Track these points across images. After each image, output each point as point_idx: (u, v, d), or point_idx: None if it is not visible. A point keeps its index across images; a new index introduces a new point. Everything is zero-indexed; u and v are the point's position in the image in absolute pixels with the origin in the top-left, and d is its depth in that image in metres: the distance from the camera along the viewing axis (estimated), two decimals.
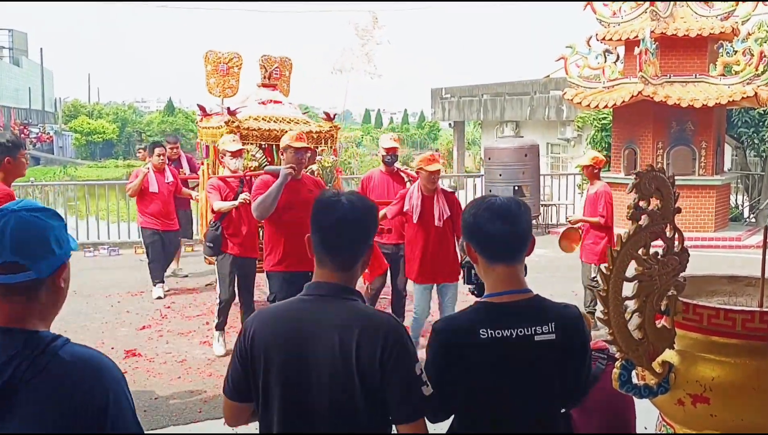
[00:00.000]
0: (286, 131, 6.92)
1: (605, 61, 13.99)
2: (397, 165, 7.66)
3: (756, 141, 15.96)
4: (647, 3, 13.32)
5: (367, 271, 7.66)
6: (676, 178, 10.45)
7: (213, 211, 6.88)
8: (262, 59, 9.09)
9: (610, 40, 13.83)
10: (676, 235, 2.90)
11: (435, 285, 6.51)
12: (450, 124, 33.10)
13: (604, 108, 13.86)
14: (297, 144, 6.07)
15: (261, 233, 6.87)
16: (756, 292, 3.25)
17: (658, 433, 3.25)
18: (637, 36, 13.00)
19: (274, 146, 7.60)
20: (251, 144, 7.58)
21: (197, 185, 9.55)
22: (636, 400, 3.11)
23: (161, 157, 9.17)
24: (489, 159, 15.65)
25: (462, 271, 3.20)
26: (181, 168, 10.22)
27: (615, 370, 2.87)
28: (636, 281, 2.79)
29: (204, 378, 6.25)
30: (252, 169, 7.32)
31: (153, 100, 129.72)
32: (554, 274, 9.67)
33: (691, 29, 13.17)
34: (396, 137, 7.94)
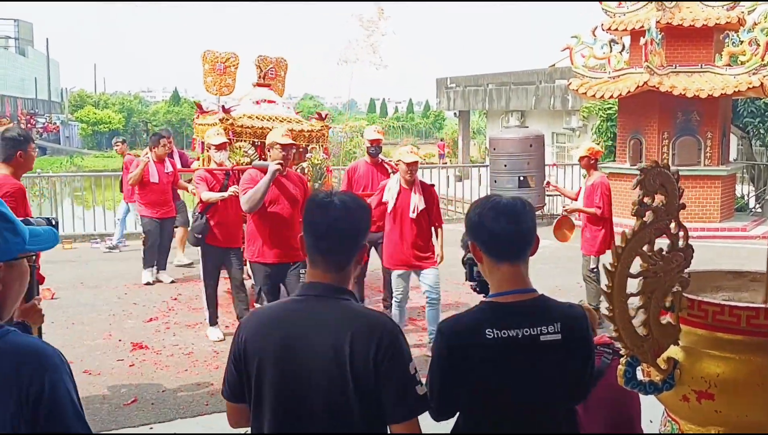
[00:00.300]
0: None
1: (611, 51, 13.94)
2: (381, 156, 8.08)
3: (762, 131, 15.92)
4: None
5: None
6: (681, 168, 10.47)
7: (200, 201, 7.10)
8: (258, 59, 9.26)
9: (616, 30, 13.78)
10: (681, 232, 2.91)
11: (412, 271, 6.72)
12: (455, 113, 33.06)
13: (609, 98, 13.83)
14: (283, 141, 6.27)
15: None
16: (761, 288, 3.24)
17: (663, 430, 3.26)
18: (642, 26, 12.94)
19: (265, 143, 7.61)
20: (244, 141, 7.83)
21: (190, 180, 9.64)
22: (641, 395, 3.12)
23: (166, 147, 9.54)
24: (494, 149, 15.63)
25: (464, 269, 3.21)
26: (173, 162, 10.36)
27: (620, 366, 2.87)
28: (641, 278, 2.80)
29: (211, 370, 6.28)
30: (243, 164, 7.48)
31: (159, 90, 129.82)
32: (558, 265, 9.68)
33: (697, 19, 13.12)
34: (380, 129, 8.40)
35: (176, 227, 10.28)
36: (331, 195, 2.24)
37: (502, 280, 2.36)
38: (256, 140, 7.92)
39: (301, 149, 7.77)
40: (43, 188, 16.84)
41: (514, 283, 2.35)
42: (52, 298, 8.40)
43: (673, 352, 2.92)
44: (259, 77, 9.11)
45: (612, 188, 13.91)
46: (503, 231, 2.33)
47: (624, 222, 10.52)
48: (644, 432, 3.74)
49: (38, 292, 3.76)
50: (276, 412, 2.14)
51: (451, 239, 12.62)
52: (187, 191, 9.87)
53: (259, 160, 7.60)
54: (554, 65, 15.12)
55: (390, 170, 7.76)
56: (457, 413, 2.39)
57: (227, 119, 7.78)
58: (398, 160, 6.73)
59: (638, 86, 12.69)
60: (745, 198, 16.57)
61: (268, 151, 6.45)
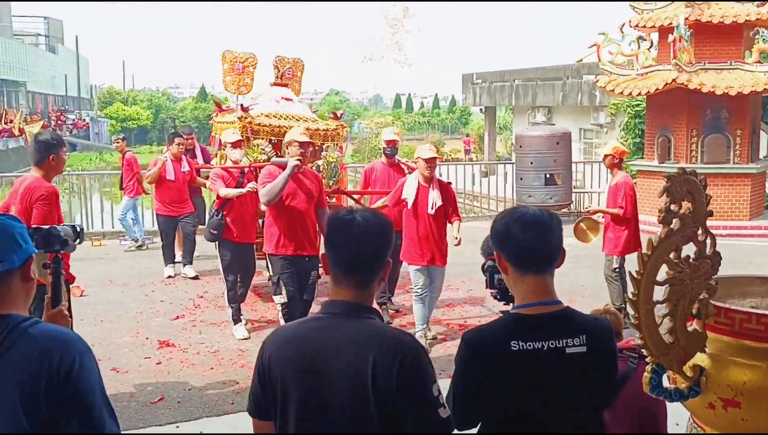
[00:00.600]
0: None
1: (638, 48, 13.80)
2: (398, 157, 8.26)
3: None
4: None
5: None
6: (710, 166, 10.40)
7: (217, 198, 7.33)
8: (275, 59, 9.48)
9: (644, 27, 13.63)
10: (708, 239, 2.88)
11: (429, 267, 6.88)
12: (481, 109, 32.93)
13: (637, 95, 13.69)
14: (301, 138, 6.49)
15: (262, 222, 7.42)
16: None
17: (689, 434, 3.24)
18: (671, 23, 12.78)
19: (283, 141, 7.84)
20: (262, 138, 8.06)
21: (208, 176, 9.78)
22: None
23: (180, 146, 9.77)
24: (520, 147, 15.57)
25: (484, 276, 3.20)
26: (195, 158, 10.68)
27: (645, 374, 2.86)
28: (667, 285, 2.78)
29: (236, 369, 6.33)
30: (260, 162, 7.73)
31: (186, 86, 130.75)
32: (583, 263, 9.60)
33: (726, 16, 12.94)
34: (397, 131, 8.64)
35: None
36: (353, 212, 2.21)
37: (527, 292, 2.35)
38: (273, 138, 8.15)
39: (316, 147, 7.94)
40: (72, 184, 17.08)
41: (540, 295, 2.35)
42: (81, 296, 8.52)
43: (700, 359, 2.90)
44: (277, 77, 9.34)
45: (639, 186, 13.97)
46: (530, 243, 2.33)
47: (652, 220, 10.42)
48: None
49: (65, 298, 3.82)
50: (299, 431, 2.13)
51: (478, 236, 12.63)
52: (205, 187, 10.03)
53: (276, 157, 7.79)
54: (582, 60, 15.02)
55: (406, 170, 7.89)
56: (479, 423, 2.39)
57: (245, 117, 8.00)
58: (417, 157, 6.93)
59: (666, 83, 12.55)
60: None
61: (287, 148, 6.64)
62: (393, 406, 2.05)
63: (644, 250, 2.71)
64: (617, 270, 7.53)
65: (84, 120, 68.82)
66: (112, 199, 18.24)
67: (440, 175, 17.84)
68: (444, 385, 2.14)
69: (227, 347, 6.90)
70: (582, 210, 15.59)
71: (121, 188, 12.05)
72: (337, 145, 8.50)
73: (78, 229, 3.22)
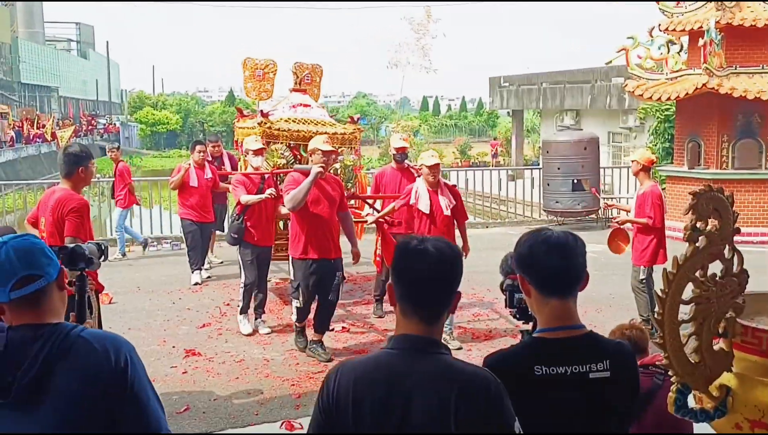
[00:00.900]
0: (313, 132, 7.95)
1: (668, 52, 13.64)
2: (407, 162, 8.55)
3: None
4: None
5: (377, 258, 8.19)
6: (741, 171, 10.25)
7: (238, 204, 7.57)
8: (294, 66, 9.76)
9: (674, 30, 13.47)
10: (736, 257, 2.84)
11: None
12: (508, 112, 32.80)
13: (666, 100, 13.53)
14: (325, 147, 6.77)
15: (284, 224, 8.19)
16: None
17: None
18: (701, 26, 12.61)
19: (301, 145, 8.31)
20: (281, 143, 8.29)
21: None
22: None
23: (201, 154, 9.95)
24: (547, 152, 15.49)
25: (503, 295, 3.18)
26: (223, 165, 10.85)
27: (671, 394, 2.83)
28: (693, 304, 2.74)
29: (261, 379, 6.36)
30: (280, 166, 8.03)
31: (215, 90, 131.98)
32: (612, 272, 9.51)
33: (759, 19, 12.74)
34: (406, 137, 8.99)
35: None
36: (424, 241, 2.10)
37: (551, 316, 2.33)
38: (291, 142, 8.42)
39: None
40: (102, 189, 17.29)
41: (563, 319, 2.32)
42: (110, 303, 8.61)
43: (726, 379, 2.86)
44: (296, 83, 9.59)
45: (669, 192, 13.82)
46: (554, 266, 2.30)
47: (681, 226, 10.30)
48: None
49: (94, 307, 3.86)
50: None
51: (503, 243, 12.58)
52: (229, 191, 10.16)
53: (294, 160, 8.16)
54: (611, 61, 14.83)
55: (416, 174, 8.04)
56: None
57: (265, 123, 8.27)
58: (421, 164, 7.21)
59: (697, 88, 12.39)
60: None
61: (310, 156, 6.89)
62: None
63: (670, 261, 2.67)
64: (644, 281, 7.43)
65: (114, 124, 69.75)
66: (142, 202, 18.46)
67: (467, 180, 17.92)
68: None
69: (252, 356, 6.93)
70: (611, 216, 15.45)
71: (113, 198, 12.20)
72: (353, 148, 8.75)
73: (103, 247, 3.26)
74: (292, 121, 8.54)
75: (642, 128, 20.47)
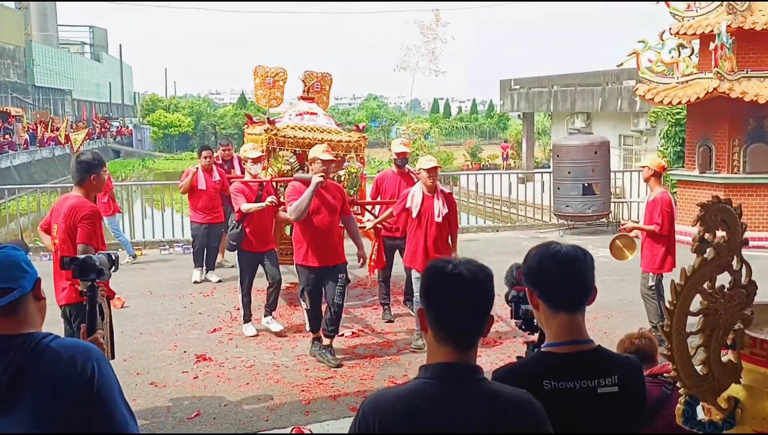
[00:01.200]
0: (319, 140, 8.09)
1: (679, 56, 13.58)
2: (408, 167, 8.68)
3: None
4: None
5: (371, 263, 8.27)
6: (753, 175, 10.16)
7: (238, 211, 7.67)
8: (303, 74, 9.93)
9: (684, 34, 13.41)
10: (744, 268, 2.84)
11: None
12: (519, 115, 32.73)
13: (677, 104, 13.48)
14: (325, 156, 6.88)
15: (290, 229, 8.19)
16: None
17: None
18: (712, 30, 12.55)
19: (306, 152, 8.30)
20: (286, 150, 8.47)
21: None
22: None
23: (207, 160, 10.18)
24: (557, 156, 15.44)
25: (509, 306, 3.19)
26: (233, 169, 10.98)
27: (679, 406, 2.83)
28: (701, 316, 2.74)
29: (271, 385, 6.38)
30: (286, 172, 8.22)
31: (227, 93, 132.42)
32: (622, 277, 9.49)
33: None
34: (407, 142, 9.14)
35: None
36: (456, 265, 2.03)
37: (559, 330, 2.34)
38: (297, 149, 8.57)
39: (338, 159, 8.27)
40: (117, 190, 17.42)
41: (572, 334, 2.33)
42: (122, 307, 8.67)
43: (735, 390, 2.85)
44: (304, 91, 9.76)
45: (680, 196, 13.77)
46: (563, 281, 2.31)
47: (692, 230, 10.27)
48: None
49: (105, 313, 3.88)
50: None
51: (514, 247, 12.59)
52: None
53: (300, 167, 8.31)
54: (622, 64, 14.79)
55: (416, 179, 8.13)
56: None
57: (271, 129, 8.42)
58: (419, 168, 7.33)
59: (707, 92, 12.33)
60: None
61: (311, 164, 7.03)
62: None
63: (678, 271, 2.68)
64: (653, 287, 7.41)
65: (127, 127, 70.09)
66: (153, 204, 18.58)
67: (477, 183, 17.90)
68: None
69: (262, 362, 6.96)
70: (621, 220, 15.39)
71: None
72: (358, 156, 8.85)
73: (113, 257, 3.29)
74: (299, 128, 8.73)
75: (653, 131, 20.39)
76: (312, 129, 8.77)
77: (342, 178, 8.41)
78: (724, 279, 2.74)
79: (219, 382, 6.43)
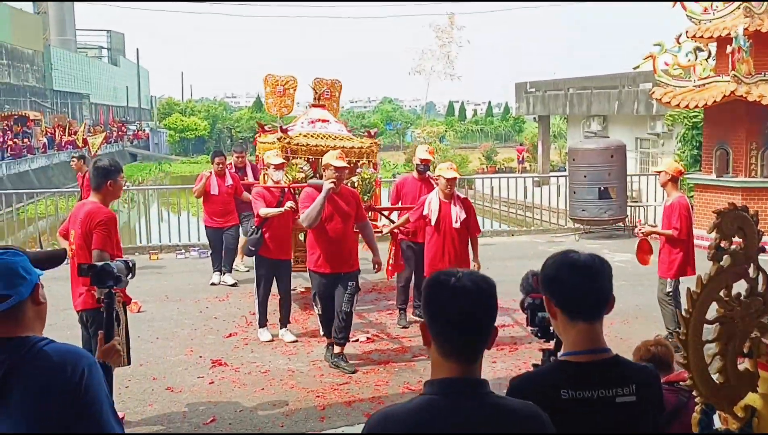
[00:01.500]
0: (332, 147, 8.07)
1: (696, 59, 13.51)
2: (429, 172, 8.68)
3: None
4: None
5: (389, 268, 8.26)
6: None
7: (257, 216, 7.73)
8: (314, 82, 10.10)
9: (701, 37, 13.33)
10: (761, 275, 2.82)
11: None
12: (535, 118, 32.64)
13: (694, 108, 13.41)
14: (337, 163, 6.88)
15: (304, 236, 8.18)
16: None
17: None
18: (729, 33, 12.48)
19: (319, 160, 8.42)
20: (300, 158, 8.52)
21: None
22: None
23: (220, 166, 10.31)
24: (573, 160, 15.39)
25: (524, 313, 3.18)
26: (246, 176, 11.05)
27: (695, 414, 2.82)
28: (717, 324, 2.73)
29: (286, 390, 6.39)
30: (299, 180, 8.24)
31: (243, 96, 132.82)
32: (639, 283, 9.44)
33: None
34: (431, 149, 9.21)
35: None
36: (459, 278, 1.98)
37: (576, 339, 2.33)
38: (310, 157, 8.66)
39: (351, 165, 8.33)
40: (132, 193, 17.53)
41: (589, 343, 2.32)
42: (138, 311, 8.72)
43: (751, 399, 2.84)
44: (315, 98, 9.90)
45: (697, 200, 13.67)
46: (581, 289, 2.31)
47: (703, 233, 10.18)
48: None
49: (121, 320, 3.91)
50: None
51: (530, 251, 12.55)
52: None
53: (314, 175, 8.37)
54: (638, 66, 14.71)
55: (435, 184, 8.13)
56: None
57: (284, 138, 8.52)
58: (438, 175, 7.37)
59: (725, 96, 12.25)
60: None
61: (324, 171, 7.07)
62: None
63: (695, 279, 2.67)
64: (671, 293, 7.35)
65: (144, 130, 70.50)
66: (169, 207, 18.68)
67: (492, 187, 17.86)
68: None
69: (278, 367, 6.98)
70: (637, 219, 15.30)
71: None
72: (370, 162, 8.90)
73: (131, 264, 3.31)
74: (311, 136, 8.80)
75: (670, 134, 20.26)
76: (324, 136, 8.84)
77: (355, 185, 8.45)
78: (740, 287, 2.73)
79: (234, 388, 6.45)
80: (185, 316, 8.80)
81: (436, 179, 7.93)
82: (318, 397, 6.23)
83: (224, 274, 10.50)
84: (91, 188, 5.34)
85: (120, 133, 62.12)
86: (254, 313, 8.74)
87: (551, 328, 2.69)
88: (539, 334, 3.07)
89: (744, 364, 2.81)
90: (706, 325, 2.69)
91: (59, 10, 68.81)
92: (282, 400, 6.14)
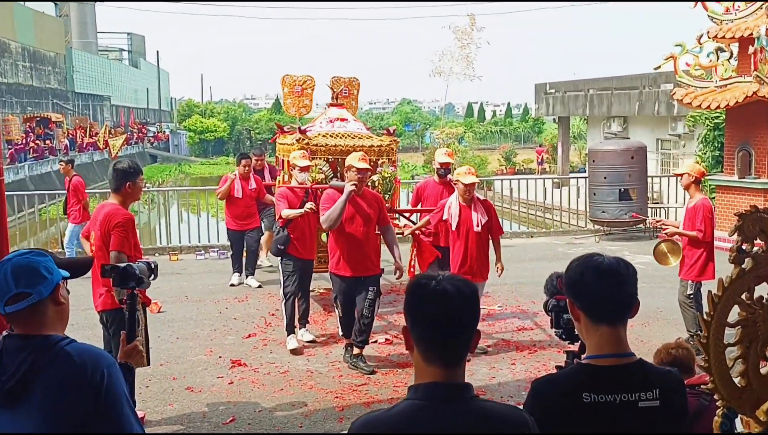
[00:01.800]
0: (351, 146, 8.15)
1: (717, 60, 13.39)
2: (450, 176, 8.43)
3: None
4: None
5: (411, 269, 8.18)
6: None
7: (280, 218, 7.65)
8: (331, 81, 10.12)
9: (723, 38, 13.21)
10: None
11: None
12: (554, 119, 32.50)
13: (716, 108, 13.30)
14: (359, 165, 6.86)
15: (326, 236, 7.99)
16: None
17: None
18: (751, 33, 12.35)
19: (339, 160, 8.49)
20: (319, 158, 8.52)
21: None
22: None
23: (246, 168, 10.37)
24: (593, 161, 15.30)
25: (548, 315, 3.17)
26: (264, 179, 11.10)
27: (716, 418, 2.79)
28: (739, 327, 2.71)
29: (305, 391, 6.41)
30: (319, 181, 8.24)
31: (262, 97, 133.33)
32: (659, 284, 9.38)
33: None
34: (450, 152, 9.09)
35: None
36: (440, 281, 1.97)
37: (600, 342, 2.32)
38: (330, 157, 8.66)
39: (372, 164, 8.27)
40: (153, 195, 17.66)
41: (613, 347, 2.31)
42: (158, 312, 8.79)
43: None
44: (333, 97, 9.89)
45: (718, 202, 13.56)
46: (605, 293, 2.29)
47: (723, 235, 10.07)
48: None
49: (141, 322, 3.94)
50: None
51: (549, 253, 12.50)
52: (272, 204, 10.39)
53: (334, 175, 8.38)
54: (659, 67, 14.60)
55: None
56: None
57: (303, 139, 8.50)
58: (457, 180, 7.32)
59: (747, 96, 12.14)
60: None
61: (346, 172, 7.07)
62: None
63: (716, 282, 2.65)
64: (692, 296, 7.28)
65: (164, 132, 70.97)
66: (189, 208, 18.78)
67: (511, 188, 17.81)
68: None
69: (296, 368, 7.00)
70: (657, 219, 15.15)
71: (65, 213, 12.19)
72: (390, 160, 8.89)
73: (153, 265, 3.34)
74: (330, 136, 8.80)
75: (691, 135, 20.10)
76: (343, 135, 8.85)
77: (376, 184, 8.46)
78: (762, 290, 2.71)
79: (254, 388, 6.48)
80: (205, 317, 8.84)
81: (456, 182, 7.96)
82: (337, 398, 6.24)
83: (247, 277, 10.54)
84: (111, 190, 5.39)
85: (140, 134, 62.60)
86: (273, 314, 8.80)
87: (576, 330, 2.68)
88: (564, 336, 3.06)
89: (766, 368, 2.78)
90: (727, 329, 2.67)
91: (80, 13, 69.42)
92: (301, 401, 6.16)
